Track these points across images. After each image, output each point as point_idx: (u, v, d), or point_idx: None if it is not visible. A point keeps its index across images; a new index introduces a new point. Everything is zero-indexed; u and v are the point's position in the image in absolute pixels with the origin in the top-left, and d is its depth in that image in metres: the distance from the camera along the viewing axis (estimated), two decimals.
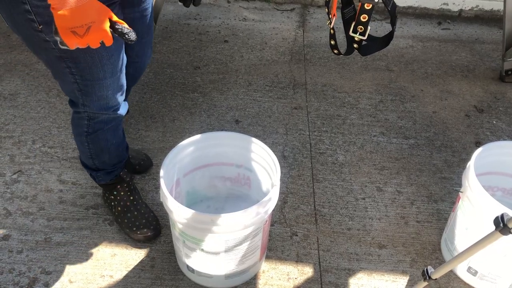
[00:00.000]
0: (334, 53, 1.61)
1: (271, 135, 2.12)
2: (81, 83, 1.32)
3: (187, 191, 1.63)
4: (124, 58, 1.37)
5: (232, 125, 2.16)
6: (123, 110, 1.49)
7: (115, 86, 1.37)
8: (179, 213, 1.32)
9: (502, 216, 0.83)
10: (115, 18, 1.01)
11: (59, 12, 0.95)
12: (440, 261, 1.65)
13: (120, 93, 1.42)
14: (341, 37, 1.55)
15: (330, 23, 1.39)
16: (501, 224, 0.83)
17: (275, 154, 1.48)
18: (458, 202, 1.54)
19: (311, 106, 2.29)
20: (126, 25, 1.03)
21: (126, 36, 1.03)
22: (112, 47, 1.25)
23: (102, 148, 1.55)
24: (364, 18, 1.42)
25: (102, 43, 1.03)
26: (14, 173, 1.89)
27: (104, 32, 1.00)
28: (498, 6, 2.96)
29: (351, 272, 1.61)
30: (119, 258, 1.62)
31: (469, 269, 1.53)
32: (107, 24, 1.01)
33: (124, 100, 1.49)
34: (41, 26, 1.13)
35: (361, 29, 1.44)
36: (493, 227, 0.91)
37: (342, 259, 1.65)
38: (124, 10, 1.34)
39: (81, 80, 1.30)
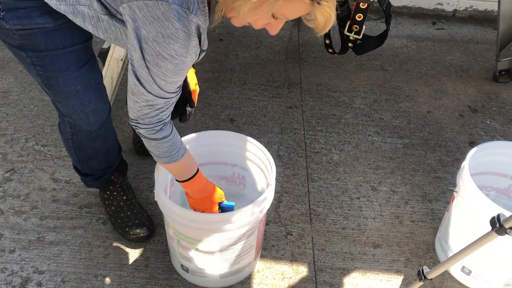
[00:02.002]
0: (329, 52, 1.60)
1: (266, 134, 2.11)
2: (44, 76, 1.27)
3: (181, 191, 1.61)
4: (91, 52, 1.32)
5: (227, 124, 2.15)
6: (104, 115, 1.43)
7: (85, 80, 1.31)
8: (173, 213, 1.32)
9: (498, 216, 0.83)
10: (224, 200, 1.43)
11: (189, 198, 1.41)
12: (434, 261, 1.66)
13: (96, 93, 1.36)
14: (336, 37, 1.54)
15: None
16: (497, 225, 0.83)
17: (270, 153, 1.48)
18: (452, 202, 1.54)
19: (306, 105, 2.29)
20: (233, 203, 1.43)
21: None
22: (78, 33, 1.22)
23: (90, 155, 1.53)
24: (359, 17, 1.42)
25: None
26: (7, 172, 1.87)
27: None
28: (492, 6, 2.97)
29: (345, 271, 1.61)
30: (113, 257, 1.61)
31: (463, 269, 1.54)
32: (216, 208, 1.41)
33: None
34: (3, 13, 1.12)
35: (356, 28, 1.44)
36: (488, 227, 0.91)
37: (337, 259, 1.65)
38: None
39: (43, 71, 1.26)
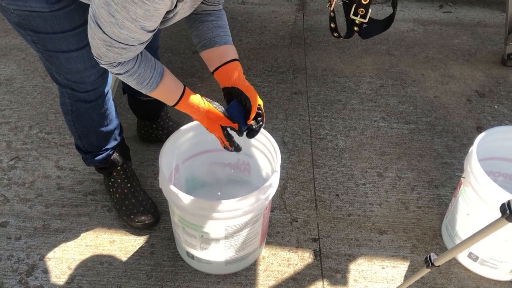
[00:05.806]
0: (334, 36, 1.58)
1: (270, 120, 2.09)
2: (45, 53, 1.29)
3: (186, 178, 1.61)
4: None
5: None
6: (102, 87, 1.45)
7: (85, 59, 1.32)
8: (178, 200, 1.31)
9: (509, 203, 0.81)
10: (225, 124, 1.31)
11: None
12: (440, 247, 1.65)
13: (95, 68, 1.37)
14: (341, 20, 1.51)
15: (330, 5, 1.36)
16: (508, 211, 0.81)
17: (275, 140, 1.46)
18: (459, 187, 1.53)
19: (311, 91, 2.26)
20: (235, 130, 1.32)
21: (231, 141, 1.34)
22: (76, 19, 1.22)
23: (88, 128, 1.52)
24: (365, 0, 1.39)
25: None
26: (11, 159, 1.87)
27: (218, 134, 1.33)
28: None
29: (351, 258, 1.60)
30: (118, 244, 1.61)
31: (470, 255, 1.53)
32: (219, 130, 1.31)
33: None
34: None
35: (362, 11, 1.41)
36: (496, 213, 0.90)
37: (343, 245, 1.64)
38: None
39: (44, 50, 1.27)
